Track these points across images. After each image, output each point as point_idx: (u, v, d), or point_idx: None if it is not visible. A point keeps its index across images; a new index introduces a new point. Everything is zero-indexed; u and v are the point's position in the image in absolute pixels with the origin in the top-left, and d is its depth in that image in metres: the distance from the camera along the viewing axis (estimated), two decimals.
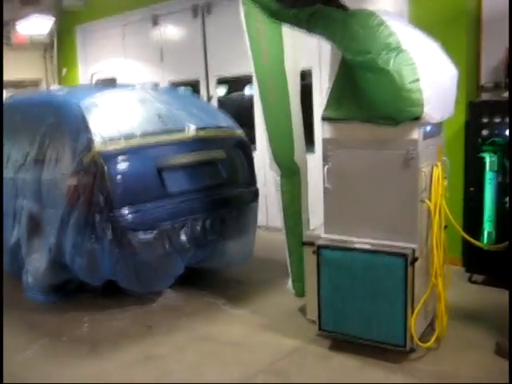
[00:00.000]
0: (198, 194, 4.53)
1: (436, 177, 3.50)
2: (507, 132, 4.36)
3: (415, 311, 3.38)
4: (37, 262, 4.50)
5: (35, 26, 7.76)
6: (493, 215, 4.53)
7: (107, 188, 4.06)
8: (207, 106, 5.29)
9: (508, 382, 3.15)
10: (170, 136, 4.49)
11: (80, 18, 8.67)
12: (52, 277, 4.48)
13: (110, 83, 8.17)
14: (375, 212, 3.49)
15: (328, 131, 3.59)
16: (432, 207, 3.46)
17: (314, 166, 4.19)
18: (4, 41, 8.49)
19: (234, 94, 8.10)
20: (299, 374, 3.41)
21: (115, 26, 8.33)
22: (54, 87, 6.05)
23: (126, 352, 3.81)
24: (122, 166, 4.17)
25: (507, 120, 4.34)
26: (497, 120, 4.40)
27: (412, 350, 3.50)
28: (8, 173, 4.91)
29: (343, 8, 3.58)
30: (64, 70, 9.30)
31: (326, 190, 3.62)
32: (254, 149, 6.07)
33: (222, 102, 7.52)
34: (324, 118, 3.55)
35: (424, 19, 4.91)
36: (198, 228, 4.45)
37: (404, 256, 3.32)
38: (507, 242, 3.92)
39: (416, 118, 3.22)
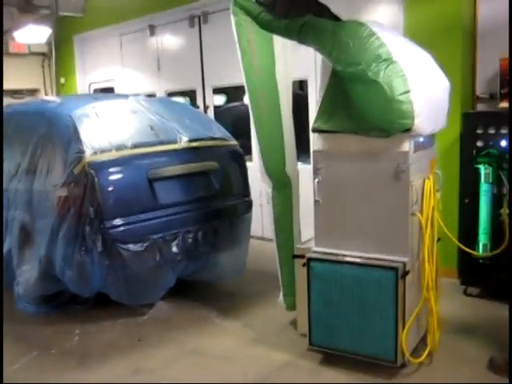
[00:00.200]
0: (189, 206, 4.50)
1: (428, 190, 3.46)
2: (502, 143, 4.33)
3: (406, 326, 3.33)
4: (27, 274, 4.46)
5: (33, 34, 7.77)
6: (488, 227, 4.48)
7: (97, 199, 4.03)
8: (201, 116, 5.27)
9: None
10: (161, 147, 4.46)
11: (78, 28, 8.69)
12: (43, 288, 4.44)
13: (107, 93, 8.17)
14: (366, 225, 3.45)
15: (318, 143, 3.56)
16: (423, 220, 3.41)
17: (310, 177, 4.14)
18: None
19: (232, 104, 8.09)
20: None
21: (113, 36, 8.34)
22: (47, 97, 6.02)
23: (115, 365, 3.76)
24: (113, 177, 4.15)
25: (502, 131, 4.30)
26: (491, 131, 4.36)
27: (403, 366, 3.45)
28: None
29: (336, 19, 3.56)
30: (62, 80, 9.31)
31: (316, 202, 3.58)
32: (251, 159, 6.03)
33: (220, 112, 7.51)
34: (314, 130, 3.51)
35: (419, 30, 4.92)
36: (190, 240, 4.42)
37: (394, 270, 3.27)
38: (502, 248, 3.88)
39: (406, 130, 3.18)
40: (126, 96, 5.11)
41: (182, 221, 4.41)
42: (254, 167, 5.70)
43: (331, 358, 3.60)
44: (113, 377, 3.60)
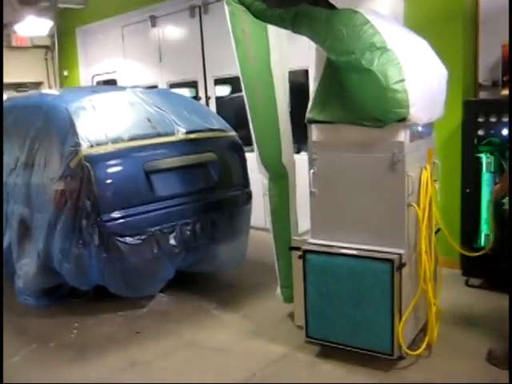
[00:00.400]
0: (187, 198, 4.48)
1: (425, 180, 3.40)
2: (504, 132, 4.24)
3: (403, 318, 3.28)
4: (27, 267, 4.48)
5: (34, 27, 7.75)
6: (489, 217, 4.41)
7: (94, 192, 4.02)
8: (199, 108, 5.22)
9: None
10: (158, 139, 4.43)
11: (80, 20, 8.67)
12: (42, 281, 4.46)
13: (108, 85, 8.15)
14: (362, 217, 3.40)
15: (313, 134, 3.51)
16: (420, 211, 3.36)
17: None
18: (5, 43, 8.53)
19: (236, 94, 8.03)
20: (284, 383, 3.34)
21: (114, 27, 8.31)
22: (46, 90, 6.01)
23: (112, 357, 3.77)
24: (109, 170, 4.14)
25: (504, 119, 4.21)
26: (493, 119, 4.27)
27: (401, 358, 3.41)
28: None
29: (331, 7, 3.50)
30: (65, 72, 9.30)
31: (311, 194, 3.54)
32: (253, 150, 5.98)
33: (223, 103, 7.46)
34: (308, 120, 3.46)
35: (420, 17, 4.83)
36: (188, 232, 4.41)
37: (390, 262, 3.22)
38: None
39: (402, 120, 3.12)
40: (123, 88, 5.07)
41: (180, 213, 4.39)
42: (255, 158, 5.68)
43: (329, 350, 3.57)
44: (109, 369, 3.60)
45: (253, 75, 3.76)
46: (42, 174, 4.32)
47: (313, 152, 3.51)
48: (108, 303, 4.55)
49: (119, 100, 4.71)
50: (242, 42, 3.70)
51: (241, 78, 3.80)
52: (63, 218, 4.08)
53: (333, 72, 3.33)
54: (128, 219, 4.13)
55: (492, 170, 4.34)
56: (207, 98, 7.16)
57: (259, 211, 5.48)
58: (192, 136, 4.61)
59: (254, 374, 3.43)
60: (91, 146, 4.10)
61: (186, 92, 7.68)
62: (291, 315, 4.07)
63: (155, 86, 7.75)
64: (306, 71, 6.29)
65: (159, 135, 4.47)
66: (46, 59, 9.51)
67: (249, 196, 4.98)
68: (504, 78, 4.45)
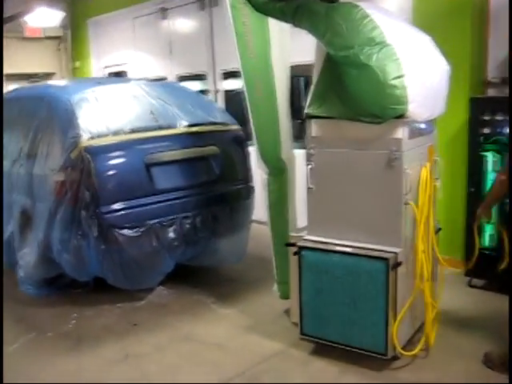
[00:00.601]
0: (188, 191, 4.46)
1: (424, 178, 3.34)
2: None
3: (398, 318, 3.24)
4: (27, 257, 4.51)
5: (45, 18, 7.77)
6: (494, 217, 4.32)
7: (93, 184, 4.03)
8: (203, 101, 5.19)
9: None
10: (160, 132, 4.42)
11: (92, 11, 8.69)
12: (42, 271, 4.48)
13: (118, 77, 8.17)
14: (359, 214, 3.36)
15: (312, 129, 3.46)
16: (419, 210, 3.30)
17: None
18: (17, 34, 8.58)
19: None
20: (276, 380, 3.32)
21: (125, 19, 8.31)
22: (51, 81, 6.04)
23: (108, 349, 3.78)
24: (110, 162, 4.14)
25: None
26: (499, 117, 4.20)
27: (395, 358, 3.36)
28: (4, 167, 4.92)
29: (332, 1, 3.44)
30: (77, 63, 9.34)
31: (309, 190, 3.51)
32: None
33: (232, 97, 7.41)
34: (307, 115, 3.42)
35: (428, 12, 4.75)
36: (188, 225, 4.40)
37: (385, 260, 3.18)
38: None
39: (400, 116, 3.07)
40: (128, 80, 5.07)
41: (180, 206, 4.38)
42: None
43: (323, 348, 3.54)
44: (104, 360, 3.62)
45: (253, 69, 3.72)
46: (44, 164, 4.34)
47: (311, 147, 3.47)
48: (108, 295, 4.56)
49: (122, 92, 4.70)
50: (243, 36, 3.67)
51: (241, 72, 3.77)
52: (63, 209, 4.10)
53: (332, 67, 3.28)
54: (127, 211, 4.14)
55: (498, 168, 4.24)
56: (216, 92, 7.13)
57: (263, 205, 5.48)
58: (194, 129, 4.59)
59: (243, 372, 3.40)
60: (92, 138, 4.10)
61: (197, 85, 7.66)
62: (288, 311, 4.04)
63: (165, 79, 7.73)
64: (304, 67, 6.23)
65: (161, 128, 4.45)
66: (59, 50, 9.56)
67: (251, 190, 4.95)
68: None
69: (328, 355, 3.50)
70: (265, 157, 3.87)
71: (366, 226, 3.35)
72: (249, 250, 4.98)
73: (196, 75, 7.53)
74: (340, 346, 3.43)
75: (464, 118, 4.54)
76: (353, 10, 3.16)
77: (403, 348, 3.37)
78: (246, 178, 4.94)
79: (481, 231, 4.39)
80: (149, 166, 4.27)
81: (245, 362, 3.51)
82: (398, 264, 3.21)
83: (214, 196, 4.62)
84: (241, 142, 4.97)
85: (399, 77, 3.02)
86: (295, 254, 3.51)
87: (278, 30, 3.74)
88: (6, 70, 8.89)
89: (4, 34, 8.04)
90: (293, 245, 3.60)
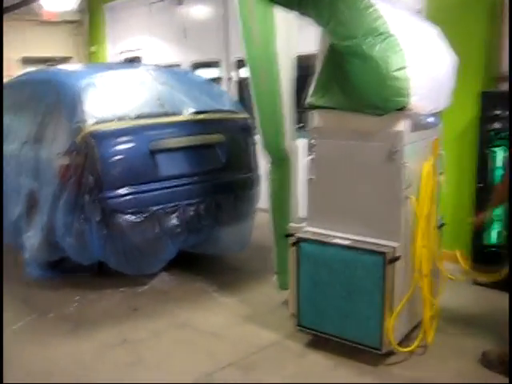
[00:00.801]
0: (192, 178, 4.47)
1: (425, 172, 3.28)
2: None
3: (394, 313, 3.20)
4: (32, 239, 4.55)
5: (61, 1, 7.79)
6: (502, 214, 4.24)
7: (97, 169, 4.06)
8: (211, 88, 5.16)
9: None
10: (165, 118, 4.42)
11: None
12: (46, 254, 4.52)
13: (132, 62, 8.18)
14: (358, 207, 3.32)
15: (314, 119, 3.42)
16: (419, 204, 3.24)
17: None
18: (34, 17, 8.63)
19: None
20: (269, 370, 3.31)
21: (142, 5, 8.29)
22: (61, 66, 6.06)
23: (106, 333, 3.81)
24: (114, 147, 4.16)
25: None
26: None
27: (391, 353, 3.33)
28: (14, 150, 4.97)
29: None
30: (93, 48, 9.37)
31: (309, 181, 3.47)
32: None
33: (245, 85, 7.36)
34: (309, 105, 3.38)
35: (441, 4, 4.64)
36: (191, 213, 4.40)
37: (382, 254, 3.13)
38: None
39: (402, 109, 3.01)
40: (137, 66, 5.06)
41: (184, 193, 4.38)
42: None
43: (320, 340, 3.51)
44: (100, 344, 3.65)
45: (257, 57, 3.70)
46: (50, 148, 4.37)
47: (312, 138, 3.43)
48: (111, 279, 4.60)
49: (130, 78, 4.72)
50: (248, 23, 3.64)
51: (246, 60, 3.74)
52: (67, 193, 4.13)
53: (335, 57, 3.22)
54: (130, 197, 4.15)
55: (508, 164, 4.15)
56: (229, 80, 7.09)
57: None
58: (200, 116, 4.58)
59: (236, 361, 3.40)
60: (97, 123, 4.12)
61: (211, 73, 7.63)
62: (286, 302, 4.01)
63: (179, 66, 7.72)
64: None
65: (167, 114, 4.45)
66: (76, 34, 9.61)
67: (257, 179, 4.92)
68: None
69: (324, 348, 3.48)
70: (267, 146, 3.85)
71: (365, 219, 3.31)
72: (255, 239, 4.96)
73: (210, 62, 7.49)
74: (336, 339, 3.41)
75: (475, 112, 4.43)
76: None
77: (400, 344, 3.33)
78: (252, 166, 4.92)
79: (487, 229, 4.32)
80: (153, 153, 4.28)
81: (239, 352, 3.50)
82: (396, 258, 3.17)
83: (218, 184, 4.61)
84: (248, 130, 4.93)
85: (402, 68, 2.95)
86: (293, 244, 3.49)
87: (283, 18, 3.69)
88: (23, 54, 9.03)
89: (20, 18, 8.14)
90: (292, 235, 3.58)
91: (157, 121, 4.37)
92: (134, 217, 4.13)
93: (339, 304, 3.34)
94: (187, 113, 4.52)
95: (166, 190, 4.31)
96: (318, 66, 3.38)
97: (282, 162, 3.86)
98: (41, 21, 8.81)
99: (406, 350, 3.30)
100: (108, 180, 4.08)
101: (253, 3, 3.62)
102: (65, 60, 9.47)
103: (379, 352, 3.26)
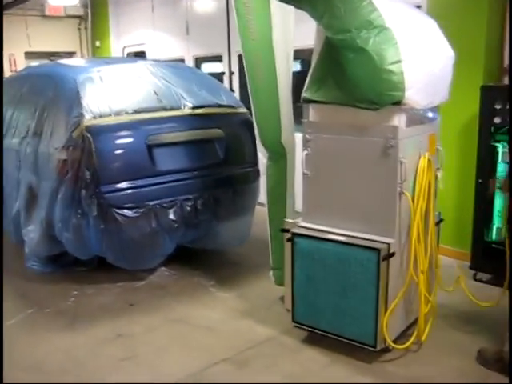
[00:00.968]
0: (190, 173, 4.45)
1: (422, 167, 3.23)
2: None
3: (388, 310, 3.17)
4: (32, 234, 4.55)
5: None
6: (502, 209, 4.19)
7: (94, 164, 4.04)
8: (210, 83, 5.13)
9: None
10: (163, 113, 4.40)
11: None
12: (45, 249, 4.52)
13: (139, 56, 8.16)
14: (354, 203, 3.28)
15: (309, 114, 3.38)
16: (415, 200, 3.20)
17: None
18: (38, 12, 8.65)
19: None
20: (263, 366, 3.29)
21: None
22: (61, 60, 6.06)
23: (101, 328, 3.81)
24: (111, 142, 4.15)
25: None
26: None
27: (386, 351, 3.30)
28: (14, 144, 4.97)
29: None
30: (97, 43, 9.37)
31: (304, 176, 3.44)
32: None
33: None
34: (304, 100, 3.34)
35: None
36: (189, 208, 4.38)
37: (377, 251, 3.10)
38: None
39: (397, 103, 2.97)
40: (135, 60, 5.05)
41: (181, 188, 4.36)
42: None
43: (316, 336, 3.49)
44: (95, 339, 3.65)
45: (254, 51, 3.66)
46: (48, 142, 4.36)
47: (307, 132, 3.40)
48: (110, 274, 4.59)
49: (128, 72, 4.69)
50: (243, 16, 3.60)
51: (242, 54, 3.71)
52: (64, 188, 4.12)
53: (330, 51, 3.18)
54: (127, 192, 4.14)
55: (508, 160, 4.09)
56: (231, 74, 7.06)
57: None
58: (199, 111, 4.55)
59: (230, 356, 3.39)
60: (94, 118, 4.10)
61: (214, 67, 7.61)
62: (283, 298, 4.00)
63: (182, 60, 7.70)
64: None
65: (165, 109, 4.43)
66: (80, 29, 9.61)
67: (256, 174, 4.89)
68: None
69: (319, 344, 3.46)
70: (265, 141, 3.81)
71: (360, 215, 3.27)
72: (255, 234, 4.93)
73: (212, 57, 7.47)
74: (330, 336, 3.38)
75: (477, 106, 4.37)
76: None
77: (397, 341, 3.31)
78: (252, 161, 4.87)
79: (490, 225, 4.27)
80: (150, 147, 4.26)
81: (234, 347, 3.49)
82: (391, 255, 3.13)
83: (216, 179, 4.59)
84: (248, 125, 4.87)
85: (397, 62, 2.91)
86: (288, 240, 3.46)
87: (280, 12, 3.64)
88: (28, 49, 9.05)
89: (25, 13, 8.15)
90: (287, 231, 3.55)
91: (154, 115, 4.35)
92: (131, 212, 4.12)
93: (333, 300, 3.31)
94: (185, 107, 4.50)
95: (163, 185, 4.29)
96: (314, 60, 3.35)
97: (279, 157, 3.83)
98: (45, 16, 8.82)
99: (400, 347, 3.27)
100: (105, 175, 4.07)
101: None
102: (69, 55, 9.48)
103: (374, 349, 3.23)
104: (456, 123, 4.58)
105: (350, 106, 3.12)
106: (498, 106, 4.05)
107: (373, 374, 3.19)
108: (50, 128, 4.41)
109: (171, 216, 4.28)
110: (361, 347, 3.28)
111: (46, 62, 8.34)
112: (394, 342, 3.27)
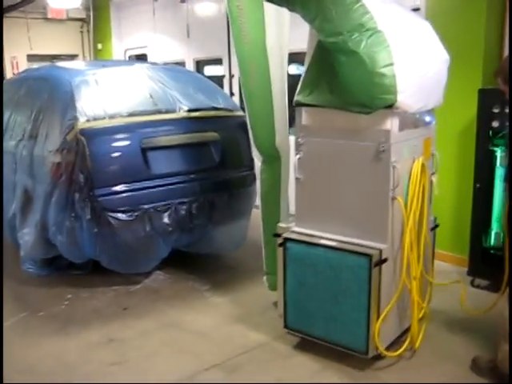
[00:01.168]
0: (184, 177, 4.41)
1: (415, 172, 3.19)
2: None
3: (380, 317, 3.12)
4: (27, 236, 4.54)
5: None
6: (500, 215, 4.14)
7: (87, 167, 4.02)
8: (207, 86, 5.10)
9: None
10: (158, 116, 4.38)
11: None
12: (40, 252, 4.51)
13: (141, 59, 8.17)
14: (346, 208, 3.24)
15: (302, 117, 3.35)
16: (408, 205, 3.16)
17: None
18: (40, 15, 8.67)
19: None
20: (252, 373, 3.26)
21: (146, 2, 8.25)
22: (58, 63, 6.06)
23: (93, 332, 3.79)
24: (105, 145, 4.13)
25: None
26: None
27: (378, 358, 3.25)
28: (11, 147, 4.96)
29: None
30: (99, 46, 9.38)
31: (297, 180, 3.41)
32: None
33: None
34: (296, 103, 3.31)
35: None
36: (184, 211, 4.35)
37: (368, 256, 3.05)
38: None
39: (389, 107, 2.93)
40: (132, 63, 5.03)
41: (176, 192, 4.33)
42: None
43: (308, 342, 3.45)
44: (87, 344, 3.63)
45: (247, 54, 3.62)
46: (43, 145, 4.35)
47: (300, 136, 3.36)
48: (105, 277, 4.57)
49: (124, 75, 4.67)
50: (237, 19, 3.56)
51: (236, 58, 3.68)
52: (58, 191, 4.11)
53: (322, 54, 3.15)
54: (121, 195, 4.12)
55: (506, 164, 4.03)
56: (231, 76, 7.04)
57: None
58: (194, 114, 4.53)
59: (221, 362, 3.35)
60: (88, 121, 4.09)
61: (215, 70, 7.59)
62: (276, 304, 3.96)
63: (183, 63, 7.69)
64: None
65: (160, 112, 4.41)
66: (82, 32, 9.62)
67: (252, 178, 4.83)
68: None
69: (311, 350, 3.42)
70: (259, 144, 3.78)
71: (353, 220, 3.23)
72: (252, 238, 4.88)
73: (213, 59, 7.45)
74: (321, 342, 3.34)
75: (475, 110, 4.32)
76: None
77: (389, 347, 3.26)
78: (249, 164, 4.80)
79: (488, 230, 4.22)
80: (145, 151, 4.24)
81: (225, 353, 3.46)
82: (383, 261, 3.09)
83: (212, 183, 4.55)
84: (245, 128, 4.82)
85: (389, 65, 2.87)
86: (280, 245, 3.42)
87: (274, 15, 3.61)
88: (30, 52, 9.08)
89: (27, 15, 8.17)
90: (279, 236, 3.51)
91: (149, 118, 4.33)
92: (124, 215, 4.09)
93: (325, 306, 3.27)
94: (181, 110, 4.48)
95: (157, 189, 4.26)
96: (306, 63, 3.31)
97: (273, 161, 3.80)
98: (47, 18, 8.83)
99: (392, 354, 3.23)
100: (99, 178, 4.05)
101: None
102: (71, 58, 9.49)
103: (366, 356, 3.18)
104: (454, 127, 4.53)
105: (343, 110, 3.09)
106: (496, 110, 4.01)
107: (365, 381, 3.14)
108: (45, 131, 4.40)
109: (165, 220, 4.26)
110: (352, 355, 3.24)
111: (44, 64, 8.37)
112: (388, 348, 3.23)
